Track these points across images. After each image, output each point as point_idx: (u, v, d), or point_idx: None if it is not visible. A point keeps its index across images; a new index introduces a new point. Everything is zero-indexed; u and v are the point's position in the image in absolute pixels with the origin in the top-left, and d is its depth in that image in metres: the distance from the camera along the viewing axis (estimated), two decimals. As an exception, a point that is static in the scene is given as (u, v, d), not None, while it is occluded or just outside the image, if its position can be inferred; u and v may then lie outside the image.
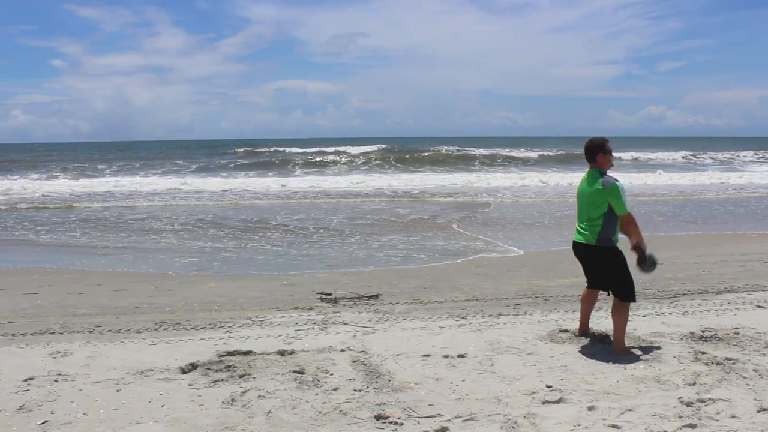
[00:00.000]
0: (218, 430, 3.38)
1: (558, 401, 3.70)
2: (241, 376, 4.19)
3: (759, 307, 6.00)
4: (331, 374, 4.21)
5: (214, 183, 24.67)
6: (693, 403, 3.61)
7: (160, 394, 3.89)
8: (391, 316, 5.82)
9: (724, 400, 3.67)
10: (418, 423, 3.42)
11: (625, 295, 4.59)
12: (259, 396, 3.83)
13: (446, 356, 4.56)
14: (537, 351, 4.68)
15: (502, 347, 4.77)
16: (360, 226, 13.04)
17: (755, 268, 8.16)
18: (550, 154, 37.29)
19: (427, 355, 4.59)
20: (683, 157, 41.66)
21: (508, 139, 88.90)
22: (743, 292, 6.74)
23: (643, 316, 5.70)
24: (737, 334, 5.01)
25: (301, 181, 25.43)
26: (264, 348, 4.81)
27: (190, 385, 4.06)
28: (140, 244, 11.15)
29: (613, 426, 3.34)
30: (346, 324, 5.56)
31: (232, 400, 3.78)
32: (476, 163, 36.02)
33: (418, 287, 7.25)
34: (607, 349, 4.67)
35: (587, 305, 5.04)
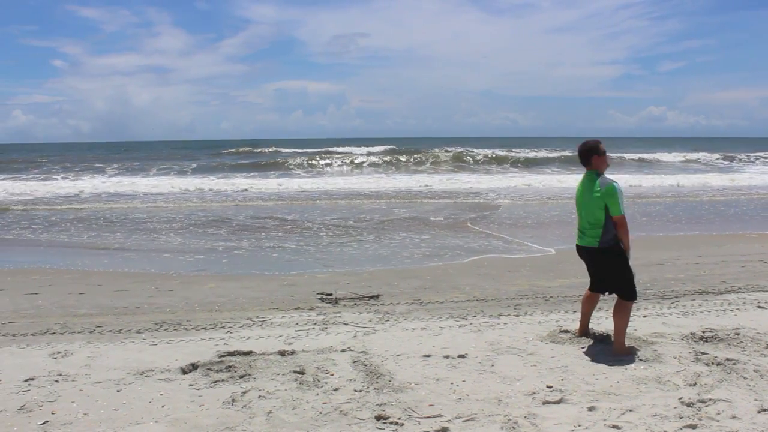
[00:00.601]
0: (219, 431, 3.38)
1: (558, 402, 3.70)
2: (241, 377, 4.19)
3: (759, 307, 6.00)
4: (332, 374, 4.21)
5: (214, 183, 24.67)
6: (693, 404, 3.61)
7: (161, 395, 3.89)
8: (392, 317, 5.82)
9: (724, 400, 3.67)
10: (419, 423, 3.42)
11: (628, 294, 4.60)
12: (259, 396, 3.83)
13: (447, 356, 4.56)
14: (537, 351, 4.68)
15: (503, 348, 4.77)
16: (380, 226, 13.05)
17: (756, 269, 8.16)
18: (569, 154, 36.42)
19: (428, 356, 4.59)
20: (685, 158, 41.60)
21: (510, 140, 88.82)
22: (744, 292, 6.74)
23: (644, 316, 5.70)
24: (738, 334, 5.01)
25: (301, 182, 25.40)
26: (264, 348, 4.81)
27: (190, 385, 4.06)
28: (140, 244, 11.15)
29: (614, 426, 3.34)
30: (346, 324, 5.56)
31: (233, 400, 3.78)
32: (481, 163, 35.94)
33: (419, 287, 7.25)
34: (608, 349, 4.67)
35: (588, 306, 5.04)
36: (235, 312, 6.16)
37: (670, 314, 5.78)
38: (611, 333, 4.80)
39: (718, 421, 3.40)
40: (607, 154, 4.76)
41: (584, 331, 5.06)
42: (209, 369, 4.36)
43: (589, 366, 4.34)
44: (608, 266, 4.65)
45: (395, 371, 4.26)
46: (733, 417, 3.45)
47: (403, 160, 36.55)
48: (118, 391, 3.96)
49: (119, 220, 14.47)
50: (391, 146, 47.05)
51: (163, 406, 3.71)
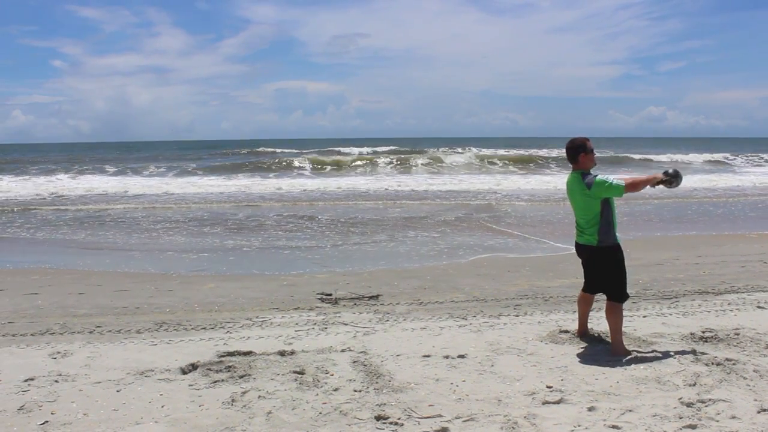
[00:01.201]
0: (218, 431, 3.38)
1: (558, 402, 3.70)
2: (241, 377, 4.19)
3: (759, 307, 6.00)
4: (332, 375, 4.21)
5: (214, 183, 24.68)
6: (693, 404, 3.61)
7: (161, 395, 3.89)
8: (392, 317, 5.83)
9: (724, 400, 3.67)
10: (419, 423, 3.42)
11: (617, 295, 4.59)
12: (259, 396, 3.83)
13: (446, 357, 4.57)
14: (537, 352, 4.68)
15: (503, 348, 4.77)
16: (384, 225, 13.05)
17: (756, 269, 8.16)
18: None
19: (428, 356, 4.59)
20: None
21: (511, 140, 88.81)
22: (744, 292, 6.74)
23: (644, 316, 5.70)
24: (737, 334, 5.01)
25: (301, 182, 25.39)
26: (264, 348, 4.81)
27: (190, 385, 4.06)
28: (140, 244, 11.15)
29: (614, 426, 3.34)
30: (346, 324, 5.56)
31: (233, 400, 3.78)
32: (484, 163, 35.92)
33: (419, 288, 7.25)
34: (608, 349, 4.67)
35: (584, 307, 5.04)
36: (235, 312, 6.16)
37: (670, 314, 5.78)
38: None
39: (717, 421, 3.40)
40: (595, 152, 4.72)
41: (583, 331, 5.07)
42: (209, 369, 4.36)
43: (589, 366, 4.34)
44: (603, 265, 4.65)
45: (395, 371, 4.26)
46: (733, 417, 3.45)
47: (414, 160, 36.41)
48: (117, 391, 3.97)
49: (118, 220, 14.47)
50: (393, 147, 47.00)
51: (162, 407, 3.71)
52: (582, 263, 4.90)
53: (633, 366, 4.33)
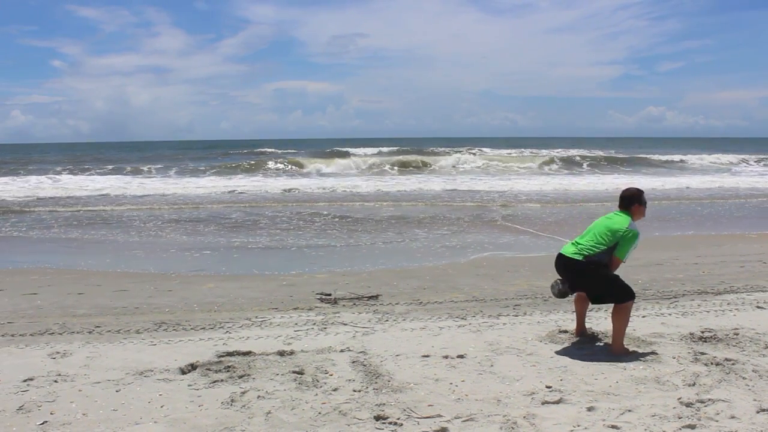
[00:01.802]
0: (218, 431, 3.38)
1: (558, 402, 3.70)
2: (240, 377, 4.19)
3: (758, 307, 6.00)
4: (331, 375, 4.21)
5: (213, 183, 24.67)
6: (692, 404, 3.61)
7: (160, 395, 3.89)
8: (391, 317, 5.83)
9: (723, 400, 3.67)
10: (418, 423, 3.42)
11: (622, 296, 4.58)
12: (258, 396, 3.83)
13: (446, 357, 4.57)
14: (537, 351, 4.68)
15: (502, 348, 4.77)
16: (386, 224, 13.05)
17: (755, 269, 8.17)
18: (590, 154, 35.00)
19: (427, 356, 4.59)
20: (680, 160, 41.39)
21: (512, 140, 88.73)
22: (743, 292, 6.74)
23: (643, 316, 5.70)
24: (737, 334, 5.01)
25: (301, 182, 25.40)
26: (263, 348, 4.81)
27: (189, 385, 4.06)
28: (139, 244, 11.15)
29: (613, 426, 3.34)
30: (345, 324, 5.56)
31: (232, 400, 3.78)
32: (486, 163, 35.85)
33: (418, 288, 7.25)
34: (607, 349, 4.67)
35: (581, 306, 5.04)
36: (234, 312, 6.16)
37: (669, 314, 5.78)
38: (610, 333, 4.80)
39: (717, 421, 3.41)
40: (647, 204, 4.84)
41: (581, 330, 5.07)
42: (208, 369, 4.36)
43: (588, 366, 4.34)
44: (590, 277, 4.62)
45: (394, 371, 4.26)
46: (732, 417, 3.45)
47: (417, 161, 36.24)
48: (117, 391, 3.96)
49: (118, 220, 14.47)
50: (397, 147, 46.82)
51: (162, 407, 3.70)
52: (559, 275, 4.80)
53: (632, 366, 4.33)
